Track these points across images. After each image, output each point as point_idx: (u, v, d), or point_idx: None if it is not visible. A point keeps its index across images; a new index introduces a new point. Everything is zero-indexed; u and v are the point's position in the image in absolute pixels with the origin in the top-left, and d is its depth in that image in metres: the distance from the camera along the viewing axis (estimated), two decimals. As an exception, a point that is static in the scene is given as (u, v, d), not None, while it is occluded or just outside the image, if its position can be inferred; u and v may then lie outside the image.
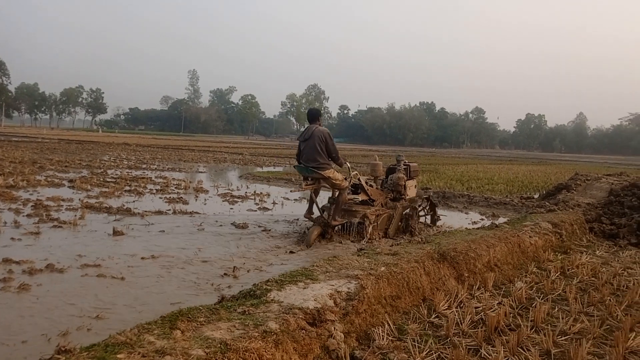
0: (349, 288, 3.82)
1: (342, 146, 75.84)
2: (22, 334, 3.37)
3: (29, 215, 7.46)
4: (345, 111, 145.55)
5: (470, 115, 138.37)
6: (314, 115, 7.38)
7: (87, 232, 6.62)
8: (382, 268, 4.32)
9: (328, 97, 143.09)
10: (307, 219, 7.49)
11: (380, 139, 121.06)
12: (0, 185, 10.16)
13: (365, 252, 5.03)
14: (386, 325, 3.58)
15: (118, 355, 2.41)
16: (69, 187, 11.16)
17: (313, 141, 7.04)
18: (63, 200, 9.06)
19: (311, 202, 7.41)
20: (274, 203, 10.45)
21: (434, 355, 3.23)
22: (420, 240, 5.70)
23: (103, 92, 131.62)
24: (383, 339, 3.39)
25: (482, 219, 9.79)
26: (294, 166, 7.80)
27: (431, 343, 3.40)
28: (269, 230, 7.54)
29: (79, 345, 2.59)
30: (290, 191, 9.64)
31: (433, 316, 3.93)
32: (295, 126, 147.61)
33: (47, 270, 4.80)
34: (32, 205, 8.28)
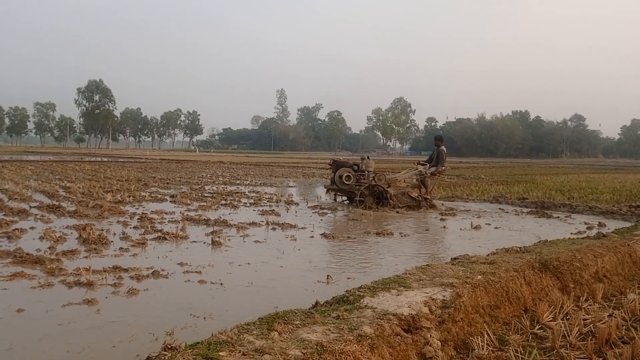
0: (444, 296, 3.72)
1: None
2: (131, 332, 3.59)
3: (135, 228, 7.97)
4: (433, 123, 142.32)
5: (569, 122, 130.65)
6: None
7: (188, 243, 6.96)
8: (479, 277, 4.17)
9: (415, 110, 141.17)
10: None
11: (470, 150, 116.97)
12: (109, 201, 10.97)
13: (459, 261, 4.89)
14: (485, 335, 3.44)
15: (220, 353, 2.49)
16: (170, 201, 11.83)
17: None
18: (166, 213, 9.61)
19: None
20: (362, 214, 10.44)
21: (539, 366, 3.06)
22: (519, 249, 5.45)
23: (199, 114, 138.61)
24: (483, 348, 3.25)
25: (588, 229, 9.14)
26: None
27: (535, 354, 3.22)
28: (359, 240, 7.54)
29: (184, 343, 2.71)
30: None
31: (537, 327, 3.73)
32: (382, 140, 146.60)
33: (153, 277, 5.09)
34: (138, 219, 8.85)
